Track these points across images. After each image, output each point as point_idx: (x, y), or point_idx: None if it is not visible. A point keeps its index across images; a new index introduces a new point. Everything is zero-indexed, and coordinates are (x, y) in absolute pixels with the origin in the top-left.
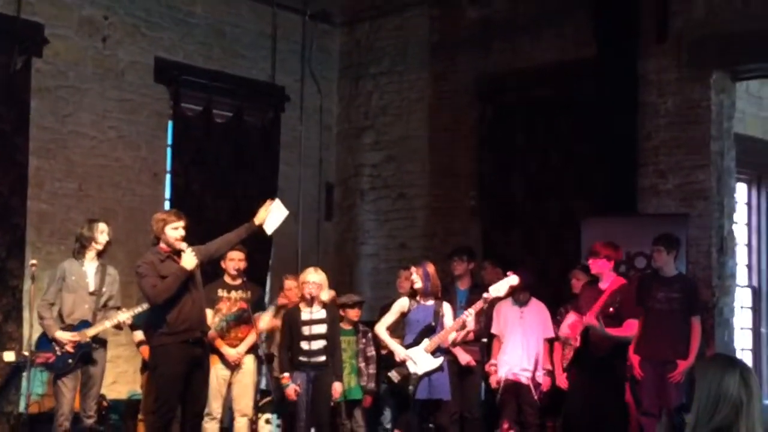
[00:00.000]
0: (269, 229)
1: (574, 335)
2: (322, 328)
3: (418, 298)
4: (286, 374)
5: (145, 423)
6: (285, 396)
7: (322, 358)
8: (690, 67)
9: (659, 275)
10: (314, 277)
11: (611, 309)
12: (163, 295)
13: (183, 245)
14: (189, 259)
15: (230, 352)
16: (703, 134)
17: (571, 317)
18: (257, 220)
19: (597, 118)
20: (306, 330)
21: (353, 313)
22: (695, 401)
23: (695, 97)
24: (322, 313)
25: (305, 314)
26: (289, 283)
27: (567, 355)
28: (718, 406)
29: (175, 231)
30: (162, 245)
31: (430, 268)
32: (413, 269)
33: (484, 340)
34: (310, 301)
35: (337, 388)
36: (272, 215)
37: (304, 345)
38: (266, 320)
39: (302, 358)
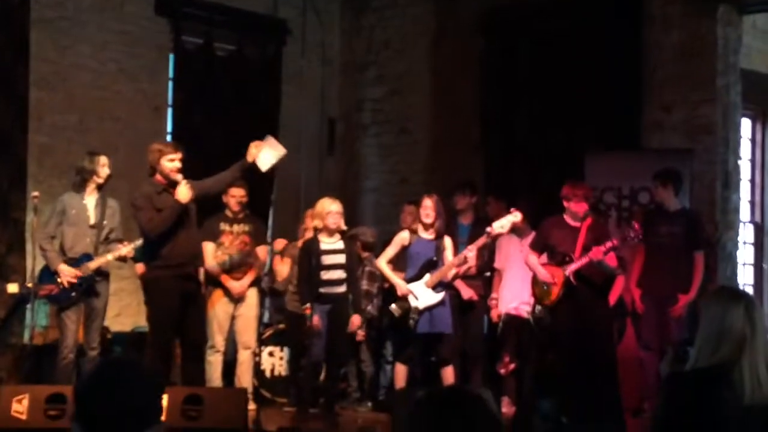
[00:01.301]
0: (263, 166)
1: (554, 278)
2: (341, 258)
3: (419, 231)
4: (308, 305)
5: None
6: (297, 327)
7: (342, 289)
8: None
9: (662, 210)
10: (336, 207)
11: (615, 240)
12: (159, 228)
13: (179, 177)
14: (184, 192)
15: (234, 286)
16: (709, 69)
17: (535, 258)
18: (249, 158)
19: (602, 52)
20: (326, 259)
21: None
22: (698, 334)
23: (701, 31)
24: (340, 244)
25: (325, 244)
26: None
27: (552, 294)
28: (721, 340)
29: (171, 162)
30: (158, 176)
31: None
32: (428, 202)
33: (487, 274)
34: (333, 231)
35: (354, 320)
36: (265, 153)
37: (324, 275)
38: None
39: (322, 289)
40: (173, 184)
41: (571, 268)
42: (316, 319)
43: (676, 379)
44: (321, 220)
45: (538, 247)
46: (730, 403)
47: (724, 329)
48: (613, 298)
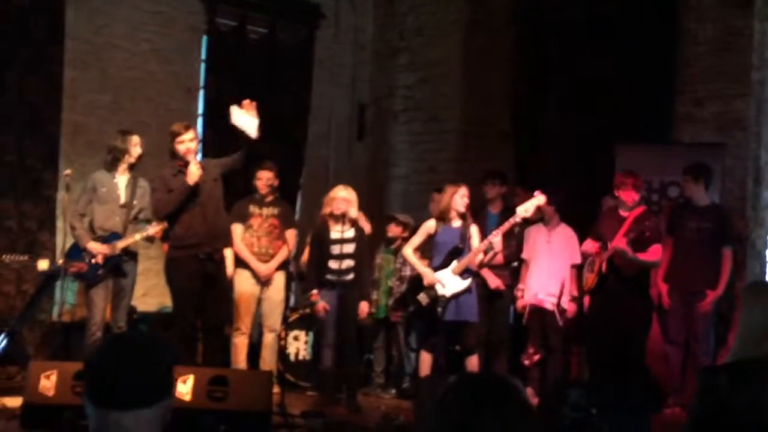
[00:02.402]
0: (252, 133)
1: (594, 252)
2: (350, 247)
3: (445, 220)
4: (315, 291)
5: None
6: (314, 312)
7: (350, 276)
8: None
9: (691, 204)
10: (343, 194)
11: (647, 234)
12: (164, 210)
13: (190, 158)
14: (192, 173)
15: (261, 268)
16: (744, 63)
17: (588, 243)
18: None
19: (635, 43)
20: (335, 249)
21: (393, 230)
22: (741, 327)
23: (737, 24)
24: (350, 232)
25: (334, 233)
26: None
27: (588, 281)
28: (765, 337)
29: (182, 144)
30: (176, 159)
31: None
32: (464, 190)
33: (515, 264)
34: (339, 218)
35: (363, 307)
36: (242, 121)
37: (333, 264)
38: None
39: (330, 277)
40: (187, 165)
41: (602, 257)
42: (320, 306)
43: (715, 371)
44: (328, 206)
45: (593, 233)
46: (766, 399)
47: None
48: None
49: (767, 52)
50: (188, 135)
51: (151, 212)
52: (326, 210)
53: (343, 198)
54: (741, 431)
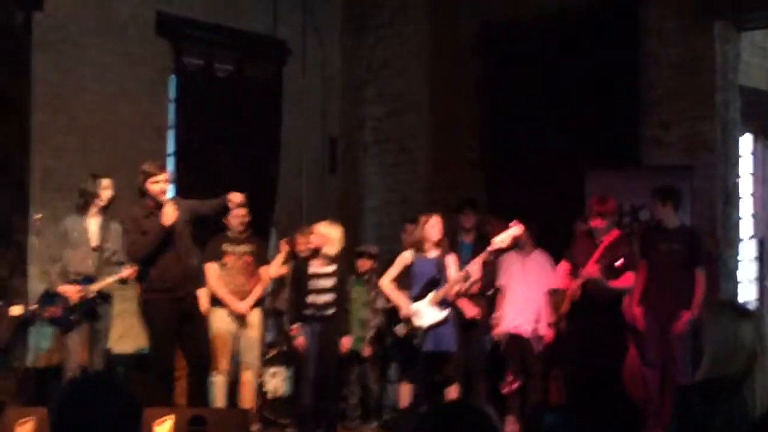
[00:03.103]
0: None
1: (565, 284)
2: (330, 282)
3: (421, 250)
4: (295, 326)
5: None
6: (293, 348)
7: (330, 312)
8: (693, 16)
9: (661, 227)
10: (321, 229)
11: (620, 261)
12: (140, 253)
13: (164, 199)
14: (168, 214)
15: (238, 306)
16: (708, 85)
17: (562, 266)
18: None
19: (600, 69)
20: (313, 284)
21: (363, 264)
22: (708, 346)
23: (699, 47)
24: (331, 267)
25: (313, 267)
26: (299, 236)
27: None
28: (733, 354)
29: (155, 185)
30: (147, 200)
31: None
32: (436, 219)
33: (489, 293)
34: (315, 253)
35: (345, 342)
36: None
37: (312, 298)
38: (275, 268)
39: (309, 312)
40: (160, 206)
41: (575, 283)
42: (300, 341)
43: (688, 390)
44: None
45: (566, 255)
46: (739, 415)
47: (736, 343)
48: None
49: (730, 74)
50: (162, 176)
51: (125, 255)
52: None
53: (319, 233)
54: None
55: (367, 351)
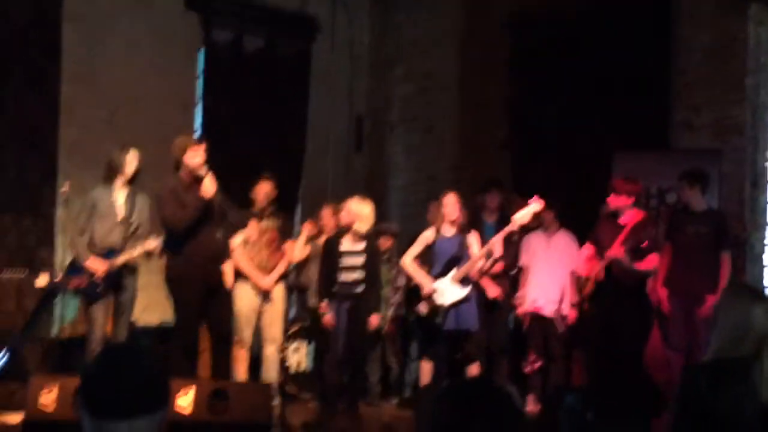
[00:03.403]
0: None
1: (589, 269)
2: (360, 260)
3: (442, 229)
4: (324, 302)
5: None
6: (320, 324)
7: (359, 289)
8: None
9: (688, 210)
10: (352, 206)
11: (645, 243)
12: (181, 225)
13: (203, 172)
14: (208, 187)
15: (263, 281)
16: (739, 68)
17: (586, 249)
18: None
19: (631, 51)
20: (344, 261)
21: (384, 243)
22: (719, 329)
23: (732, 30)
24: (361, 245)
25: (344, 245)
26: (325, 212)
27: (586, 288)
28: (744, 336)
29: (195, 158)
30: (182, 172)
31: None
32: (450, 198)
33: (513, 272)
34: (345, 230)
35: (373, 320)
36: None
37: (342, 276)
38: (298, 250)
39: (339, 289)
40: (197, 180)
41: (599, 265)
42: (329, 318)
43: (695, 370)
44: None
45: (591, 238)
46: (747, 397)
47: (747, 326)
48: None
49: (763, 57)
50: (201, 148)
51: (163, 226)
52: (333, 221)
53: (349, 210)
54: (721, 429)
55: (388, 328)
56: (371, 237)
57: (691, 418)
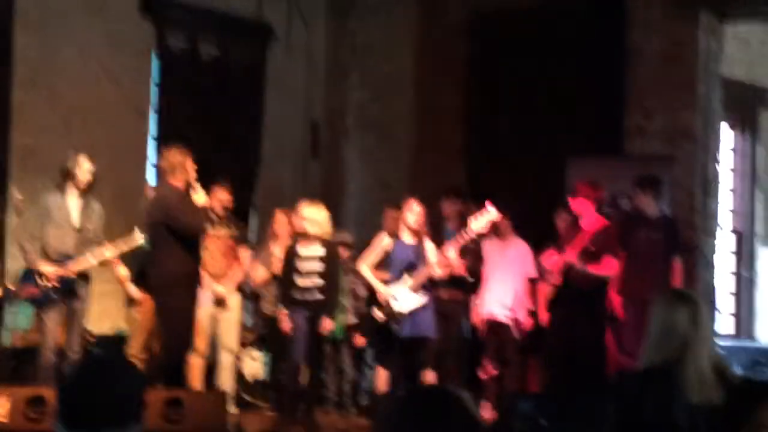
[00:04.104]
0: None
1: (555, 270)
2: (318, 266)
3: (400, 235)
4: (282, 309)
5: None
6: (276, 332)
7: (319, 296)
8: (677, 6)
9: (641, 216)
10: (304, 211)
11: (592, 248)
12: (206, 229)
13: (196, 184)
14: (202, 196)
15: (218, 289)
16: (690, 75)
17: (551, 255)
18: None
19: (585, 57)
20: (301, 266)
21: (342, 255)
22: (648, 333)
23: (682, 38)
24: (318, 250)
25: (301, 249)
26: (278, 217)
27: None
28: (666, 339)
29: (193, 169)
30: (173, 180)
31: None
32: (418, 206)
33: (470, 279)
34: (303, 236)
35: (325, 324)
36: None
37: (298, 280)
38: (261, 274)
39: (296, 295)
40: (188, 187)
41: (560, 264)
42: (286, 325)
43: (624, 378)
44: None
45: (555, 245)
46: (675, 400)
47: (669, 329)
48: None
49: (712, 65)
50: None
51: (191, 231)
52: (286, 226)
53: (301, 215)
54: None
55: (359, 341)
56: (331, 244)
57: (622, 427)
